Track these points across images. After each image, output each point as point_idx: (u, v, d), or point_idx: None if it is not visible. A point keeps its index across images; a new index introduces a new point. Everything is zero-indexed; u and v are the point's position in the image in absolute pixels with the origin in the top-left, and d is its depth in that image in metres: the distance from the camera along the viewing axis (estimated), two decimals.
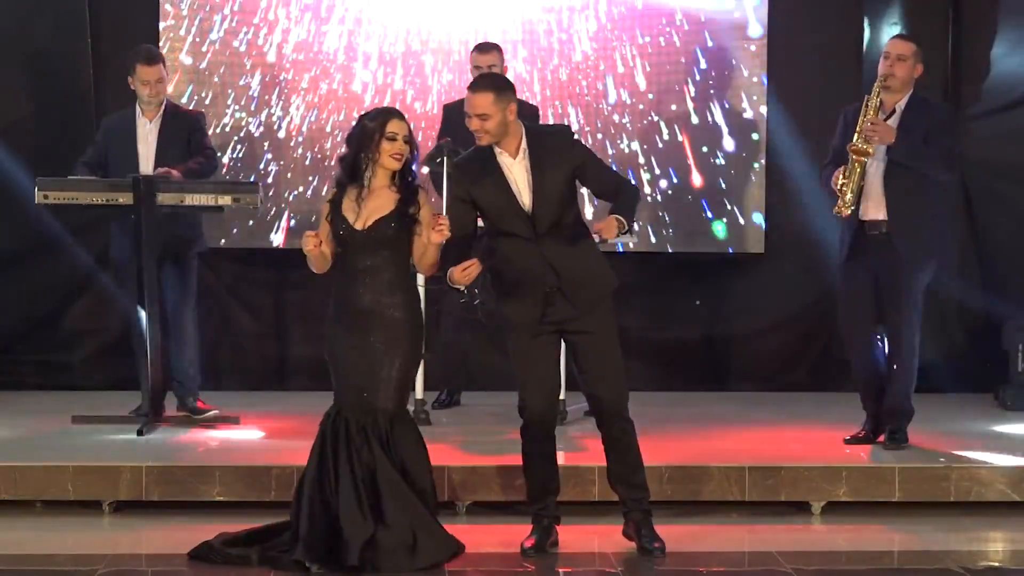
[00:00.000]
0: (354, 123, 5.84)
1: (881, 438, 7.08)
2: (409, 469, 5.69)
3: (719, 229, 9.10)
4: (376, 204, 5.72)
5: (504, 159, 5.80)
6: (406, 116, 5.81)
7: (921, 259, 6.96)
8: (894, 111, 6.94)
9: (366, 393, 5.70)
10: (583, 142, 6.01)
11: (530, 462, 5.93)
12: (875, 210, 6.91)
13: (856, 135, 6.84)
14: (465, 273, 5.63)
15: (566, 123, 8.82)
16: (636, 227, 5.69)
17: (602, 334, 5.82)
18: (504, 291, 5.86)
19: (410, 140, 5.75)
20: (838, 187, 6.85)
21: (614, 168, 6.05)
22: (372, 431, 5.67)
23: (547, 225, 5.75)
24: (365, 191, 5.72)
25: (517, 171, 5.79)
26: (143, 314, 7.36)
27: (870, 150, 6.81)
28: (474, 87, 5.84)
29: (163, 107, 7.61)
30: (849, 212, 6.86)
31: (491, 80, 5.98)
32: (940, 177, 7.02)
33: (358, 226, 5.70)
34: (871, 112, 6.85)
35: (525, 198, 5.77)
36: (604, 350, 5.82)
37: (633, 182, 6.06)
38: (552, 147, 5.82)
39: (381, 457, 5.64)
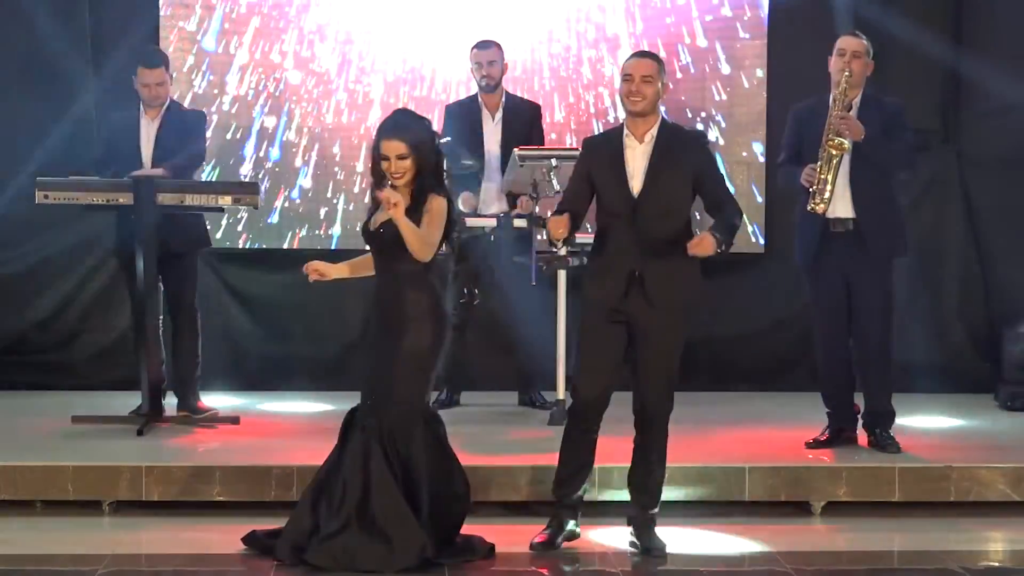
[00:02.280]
0: None
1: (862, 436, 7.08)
2: (411, 468, 5.67)
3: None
4: None
5: (629, 141, 5.86)
6: (408, 126, 5.75)
7: (890, 256, 6.96)
8: (850, 108, 6.92)
9: (377, 389, 5.72)
10: (712, 154, 6.02)
11: (567, 444, 5.95)
12: (842, 208, 6.88)
13: (828, 131, 6.80)
14: (557, 223, 5.75)
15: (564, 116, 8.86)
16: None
17: (666, 341, 5.86)
18: (593, 269, 5.95)
19: (413, 152, 5.70)
20: (816, 183, 6.80)
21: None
22: (375, 428, 5.67)
23: (650, 215, 5.76)
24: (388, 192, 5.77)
25: (637, 156, 5.84)
26: (143, 314, 7.36)
27: (845, 144, 6.79)
28: (639, 54, 6.01)
29: (165, 107, 7.61)
30: (826, 208, 6.81)
31: (655, 54, 6.09)
32: (901, 172, 7.03)
33: (371, 226, 5.77)
34: (838, 108, 6.83)
35: (635, 182, 5.81)
36: (663, 357, 5.86)
37: (739, 205, 6.01)
38: (681, 145, 5.89)
39: (378, 454, 5.63)
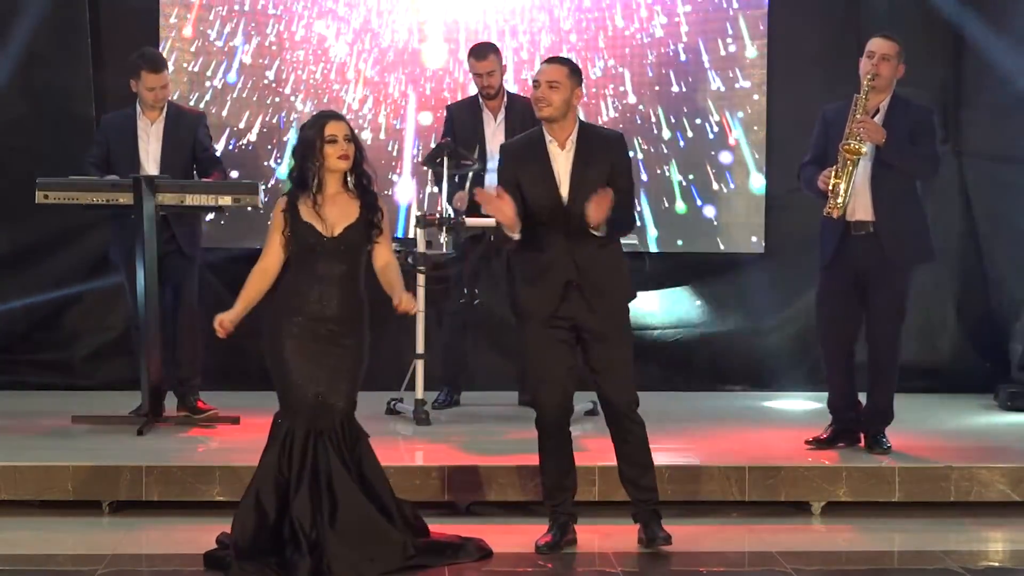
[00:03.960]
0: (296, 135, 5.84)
1: (843, 444, 7.05)
2: (366, 473, 5.64)
3: (719, 228, 9.13)
4: (339, 211, 5.68)
5: (552, 148, 5.84)
6: (345, 115, 5.81)
7: (908, 260, 6.94)
8: (877, 111, 6.90)
9: (323, 396, 5.62)
10: (630, 157, 6.04)
11: (543, 457, 5.95)
12: (862, 211, 6.87)
13: (847, 134, 6.81)
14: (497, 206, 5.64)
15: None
16: (600, 232, 5.76)
17: (614, 335, 5.84)
18: (525, 279, 5.89)
19: (353, 138, 5.70)
20: (830, 187, 6.80)
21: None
22: (329, 435, 5.60)
23: (580, 220, 5.73)
24: (320, 198, 5.67)
25: (562, 162, 5.83)
26: (143, 314, 7.36)
27: (863, 149, 6.78)
28: (550, 60, 5.99)
29: (165, 108, 7.62)
30: (840, 212, 6.82)
31: (567, 60, 6.07)
32: (924, 178, 7.02)
33: (326, 234, 5.65)
34: (859, 111, 6.83)
35: (564, 190, 5.80)
36: (615, 351, 5.84)
37: (636, 215, 6.02)
38: (601, 147, 5.86)
39: (336, 462, 5.57)
